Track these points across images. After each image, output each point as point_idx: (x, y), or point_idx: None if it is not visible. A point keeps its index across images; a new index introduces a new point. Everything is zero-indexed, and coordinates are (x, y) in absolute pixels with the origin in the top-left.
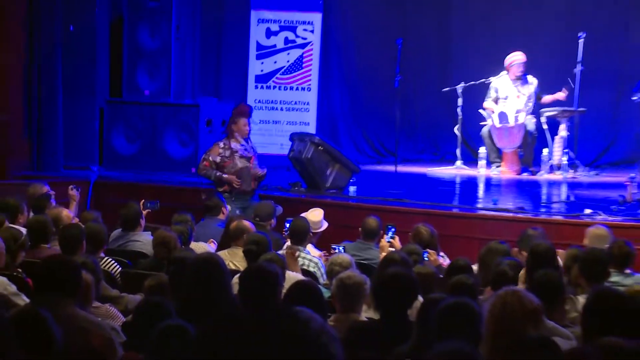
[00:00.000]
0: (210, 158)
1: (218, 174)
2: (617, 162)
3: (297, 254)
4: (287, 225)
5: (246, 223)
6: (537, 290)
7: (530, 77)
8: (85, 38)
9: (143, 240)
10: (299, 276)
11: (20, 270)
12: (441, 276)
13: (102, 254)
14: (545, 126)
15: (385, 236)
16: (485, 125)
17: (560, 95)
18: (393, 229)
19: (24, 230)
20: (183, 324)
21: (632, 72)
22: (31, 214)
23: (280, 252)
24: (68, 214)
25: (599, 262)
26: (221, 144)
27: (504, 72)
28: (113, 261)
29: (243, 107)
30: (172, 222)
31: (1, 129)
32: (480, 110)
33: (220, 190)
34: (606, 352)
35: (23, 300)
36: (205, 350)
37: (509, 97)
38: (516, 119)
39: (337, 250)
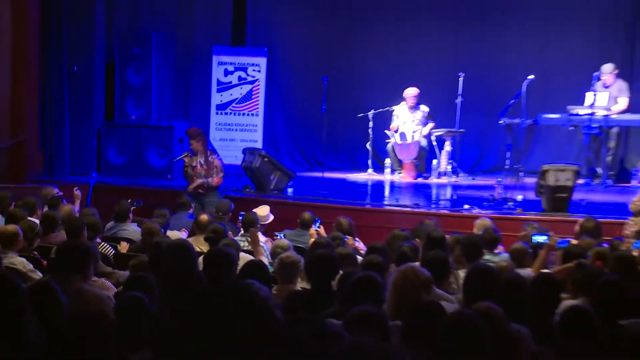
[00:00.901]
0: (184, 168)
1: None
2: (488, 169)
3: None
4: (241, 217)
5: (207, 217)
6: (428, 266)
7: (422, 106)
8: (85, 75)
9: (130, 230)
10: (250, 257)
11: (35, 252)
12: (358, 256)
13: (99, 240)
14: (434, 143)
15: (313, 226)
16: (389, 142)
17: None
18: (319, 221)
19: (39, 222)
20: (138, 295)
21: (499, 102)
22: (45, 209)
23: (235, 238)
24: (73, 209)
25: (475, 245)
26: (186, 159)
27: (403, 102)
28: (108, 245)
29: (187, 130)
30: (153, 215)
31: (21, 144)
32: (386, 131)
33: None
34: (481, 313)
35: (38, 275)
36: (181, 316)
37: (407, 121)
38: (412, 137)
39: (278, 237)
